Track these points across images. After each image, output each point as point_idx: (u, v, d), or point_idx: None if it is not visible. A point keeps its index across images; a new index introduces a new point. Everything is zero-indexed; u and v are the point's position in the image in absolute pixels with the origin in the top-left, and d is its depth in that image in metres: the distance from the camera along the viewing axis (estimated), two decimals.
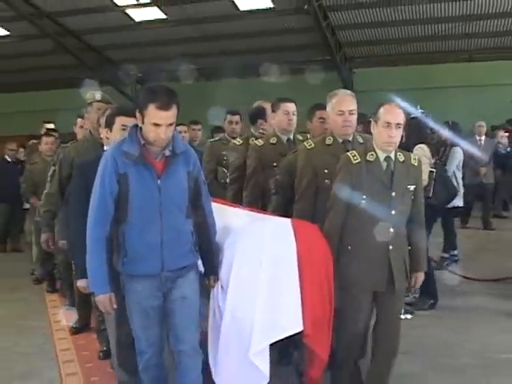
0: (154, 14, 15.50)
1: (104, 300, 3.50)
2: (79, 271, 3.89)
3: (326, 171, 4.33)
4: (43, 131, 9.38)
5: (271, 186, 5.07)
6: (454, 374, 4.76)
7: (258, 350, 3.63)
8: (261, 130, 5.84)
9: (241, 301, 3.67)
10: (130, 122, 3.73)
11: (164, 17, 15.64)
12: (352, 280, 3.95)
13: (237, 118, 7.22)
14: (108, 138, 4.04)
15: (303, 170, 4.48)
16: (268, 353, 3.71)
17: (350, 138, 4.46)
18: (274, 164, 5.09)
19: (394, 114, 3.87)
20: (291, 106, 5.21)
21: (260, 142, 5.28)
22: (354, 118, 4.43)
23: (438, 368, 4.85)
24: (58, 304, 7.20)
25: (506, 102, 14.64)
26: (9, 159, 10.65)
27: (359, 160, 3.92)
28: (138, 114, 3.46)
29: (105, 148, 4.05)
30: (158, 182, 3.48)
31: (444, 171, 7.21)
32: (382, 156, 3.92)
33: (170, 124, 3.42)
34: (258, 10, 15.06)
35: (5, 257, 10.58)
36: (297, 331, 3.74)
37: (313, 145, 4.50)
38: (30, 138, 10.50)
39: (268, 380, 3.70)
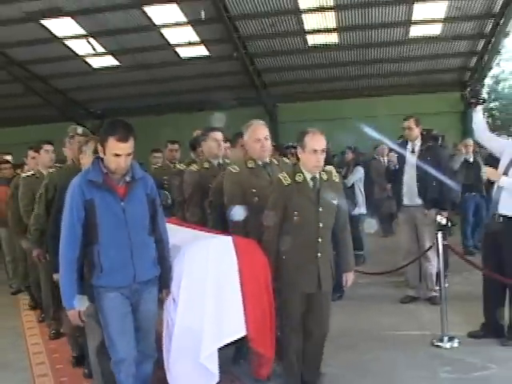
0: (109, 61, 15.64)
1: (74, 314, 3.42)
2: None
3: (253, 190, 4.27)
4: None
5: (207, 207, 4.92)
6: (349, 350, 5.01)
7: (208, 354, 3.65)
8: (201, 157, 5.61)
9: (190, 312, 3.63)
10: None
11: (118, 64, 15.75)
12: (287, 286, 3.94)
13: (176, 146, 7.25)
14: None
15: (232, 192, 4.34)
16: (217, 355, 3.72)
17: (268, 160, 4.44)
18: (210, 185, 4.87)
19: (319, 141, 3.85)
20: (219, 135, 5.12)
21: (195, 167, 5.13)
22: (269, 143, 4.41)
23: (337, 346, 4.91)
24: (30, 307, 7.11)
25: (399, 128, 15.09)
26: None
27: (290, 182, 3.88)
28: (99, 147, 3.39)
29: None
30: (122, 204, 3.39)
31: (343, 186, 7.52)
32: (308, 176, 3.91)
33: (129, 154, 3.36)
34: (196, 57, 15.32)
35: None
36: (241, 336, 3.81)
37: (237, 169, 4.38)
38: None
39: (218, 379, 3.72)
